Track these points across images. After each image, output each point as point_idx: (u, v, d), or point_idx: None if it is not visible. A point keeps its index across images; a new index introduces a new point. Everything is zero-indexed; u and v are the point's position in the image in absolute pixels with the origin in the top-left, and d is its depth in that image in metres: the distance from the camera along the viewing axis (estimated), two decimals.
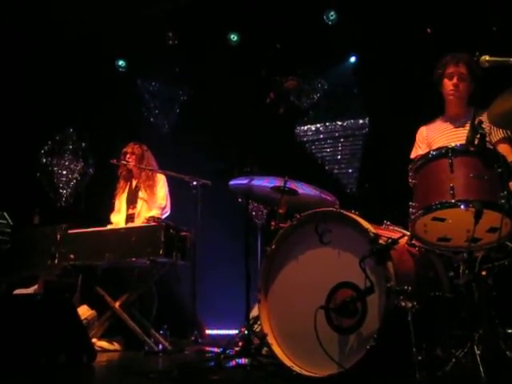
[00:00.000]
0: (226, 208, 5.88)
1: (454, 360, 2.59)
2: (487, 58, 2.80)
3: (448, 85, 3.63)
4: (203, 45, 6.99)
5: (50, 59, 6.93)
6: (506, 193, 2.56)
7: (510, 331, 2.80)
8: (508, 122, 2.89)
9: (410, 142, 3.91)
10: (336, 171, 6.78)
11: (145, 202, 5.20)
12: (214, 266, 5.87)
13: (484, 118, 3.01)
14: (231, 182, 3.66)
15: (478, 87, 3.53)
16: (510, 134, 3.41)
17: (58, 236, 4.85)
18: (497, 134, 3.42)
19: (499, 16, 5.42)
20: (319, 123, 6.99)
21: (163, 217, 5.04)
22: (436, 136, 3.69)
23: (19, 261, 5.05)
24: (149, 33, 6.96)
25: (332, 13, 6.49)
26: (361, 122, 6.76)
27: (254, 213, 6.71)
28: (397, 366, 2.64)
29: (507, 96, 2.72)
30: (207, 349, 4.55)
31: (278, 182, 3.54)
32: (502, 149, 3.34)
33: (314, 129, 7.00)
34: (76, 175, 7.60)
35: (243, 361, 3.40)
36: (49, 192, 7.48)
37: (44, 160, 7.53)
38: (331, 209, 2.89)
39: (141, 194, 5.24)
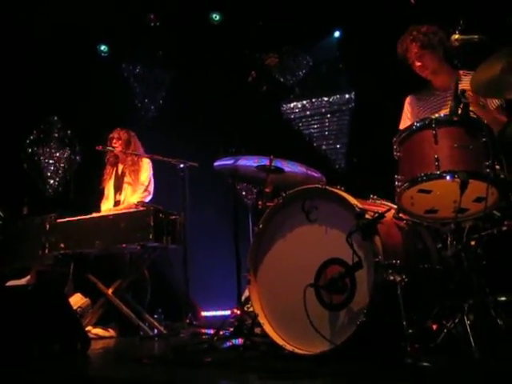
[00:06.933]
0: (215, 189, 5.86)
1: (445, 331, 2.60)
2: (456, 36, 2.85)
3: (416, 67, 3.61)
4: (185, 25, 6.91)
5: (32, 47, 6.83)
6: (491, 162, 2.55)
7: (500, 299, 2.81)
8: (490, 90, 2.88)
9: (397, 114, 3.89)
10: (324, 147, 6.77)
11: (129, 187, 5.18)
12: (205, 247, 5.87)
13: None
14: (216, 163, 3.63)
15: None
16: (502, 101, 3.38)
17: (48, 225, 4.83)
18: (492, 103, 3.39)
19: None
20: (305, 100, 6.96)
21: (146, 200, 5.01)
22: (426, 105, 3.65)
23: (10, 252, 5.03)
24: (130, 15, 6.87)
25: None
26: (347, 96, 6.75)
27: (244, 193, 6.70)
28: (388, 340, 2.65)
29: (488, 64, 2.70)
30: (202, 331, 4.56)
31: (263, 160, 3.51)
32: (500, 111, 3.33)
33: (300, 106, 6.98)
34: (63, 163, 7.56)
35: (239, 341, 3.41)
36: (37, 182, 7.44)
37: (30, 150, 7.47)
38: (316, 186, 2.86)
39: (126, 179, 5.22)
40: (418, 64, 3.56)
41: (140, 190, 5.13)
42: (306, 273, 2.72)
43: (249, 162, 3.59)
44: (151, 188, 5.21)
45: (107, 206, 5.26)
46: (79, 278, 4.82)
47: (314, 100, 6.93)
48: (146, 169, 5.24)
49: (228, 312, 5.38)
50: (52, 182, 7.50)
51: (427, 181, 2.61)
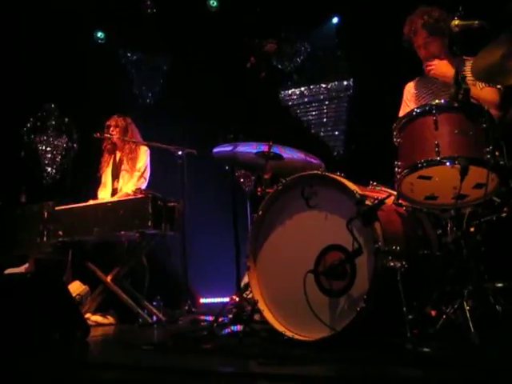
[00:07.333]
0: (213, 176, 5.84)
1: (444, 317, 2.61)
2: (456, 22, 2.81)
3: (420, 54, 3.58)
4: (183, 11, 6.86)
5: (27, 34, 6.77)
6: (491, 148, 2.54)
7: (499, 285, 2.81)
8: (491, 76, 2.86)
9: (396, 100, 3.87)
10: (322, 134, 6.76)
11: (127, 174, 5.16)
12: (204, 234, 5.87)
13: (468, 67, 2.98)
14: (215, 150, 3.61)
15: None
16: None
17: (46, 213, 4.81)
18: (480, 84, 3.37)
19: None
20: (303, 87, 6.94)
21: (143, 187, 4.98)
22: (424, 92, 3.64)
23: (8, 240, 5.01)
24: (127, 1, 6.82)
25: None
26: (345, 83, 6.73)
27: (242, 179, 6.69)
28: (388, 326, 2.65)
29: (489, 50, 2.68)
30: (201, 318, 4.57)
31: (262, 147, 3.50)
32: (488, 92, 3.30)
33: (298, 92, 6.95)
34: (60, 151, 7.53)
35: (238, 328, 3.41)
36: (34, 169, 7.42)
37: (27, 137, 7.44)
38: (316, 172, 2.84)
39: (124, 166, 5.20)
40: (424, 50, 3.52)
41: (135, 178, 5.11)
42: (305, 259, 2.72)
43: (248, 149, 3.57)
44: (147, 175, 5.18)
45: (105, 194, 5.24)
46: (78, 266, 4.81)
47: (312, 87, 6.90)
48: (144, 156, 5.21)
49: (227, 299, 5.38)
50: (49, 169, 7.47)
51: (427, 167, 2.60)
